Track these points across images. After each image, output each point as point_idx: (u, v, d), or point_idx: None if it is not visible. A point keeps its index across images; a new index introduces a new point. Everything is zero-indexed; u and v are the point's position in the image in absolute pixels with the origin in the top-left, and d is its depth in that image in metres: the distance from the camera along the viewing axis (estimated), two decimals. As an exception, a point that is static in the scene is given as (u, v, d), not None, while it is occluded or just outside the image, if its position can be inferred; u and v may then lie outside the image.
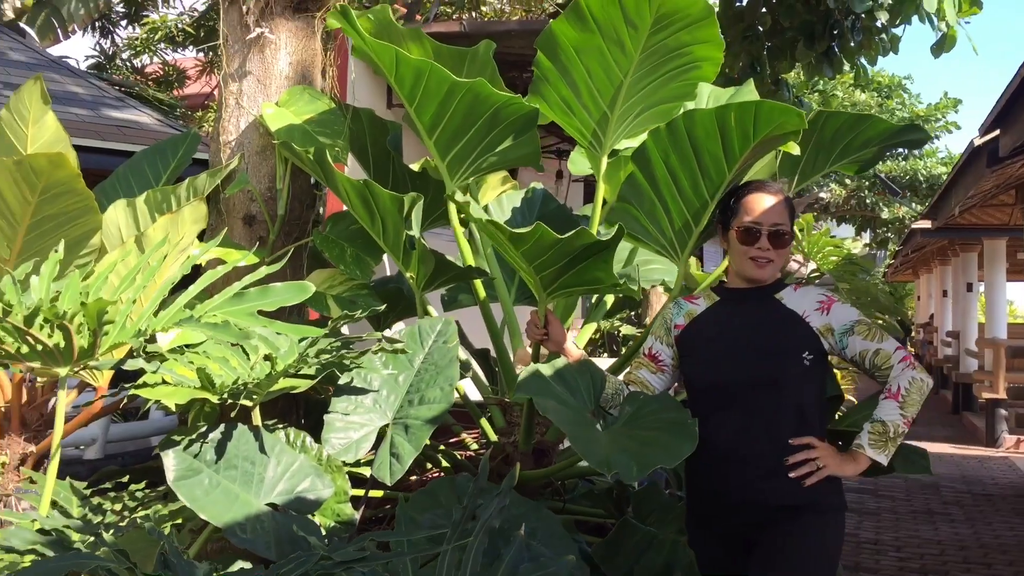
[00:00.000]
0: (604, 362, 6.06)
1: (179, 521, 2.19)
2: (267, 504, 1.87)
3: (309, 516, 1.88)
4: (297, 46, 3.04)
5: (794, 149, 2.88)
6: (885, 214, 23.87)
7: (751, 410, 2.35)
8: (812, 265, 8.15)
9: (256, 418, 2.06)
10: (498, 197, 3.78)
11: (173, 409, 2.57)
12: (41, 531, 1.43)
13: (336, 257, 2.95)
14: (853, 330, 2.38)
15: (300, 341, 2.10)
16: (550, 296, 2.62)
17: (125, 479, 2.50)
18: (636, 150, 2.77)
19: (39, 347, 1.54)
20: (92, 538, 1.47)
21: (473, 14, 12.23)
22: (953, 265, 14.91)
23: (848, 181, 24.86)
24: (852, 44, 7.57)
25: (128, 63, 13.13)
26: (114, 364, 2.13)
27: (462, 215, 3.09)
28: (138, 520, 1.90)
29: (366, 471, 3.04)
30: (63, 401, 1.69)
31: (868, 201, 24.48)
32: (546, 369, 2.61)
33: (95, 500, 2.24)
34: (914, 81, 27.28)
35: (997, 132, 4.94)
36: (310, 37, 3.06)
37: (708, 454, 2.35)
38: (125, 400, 2.94)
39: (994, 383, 10.51)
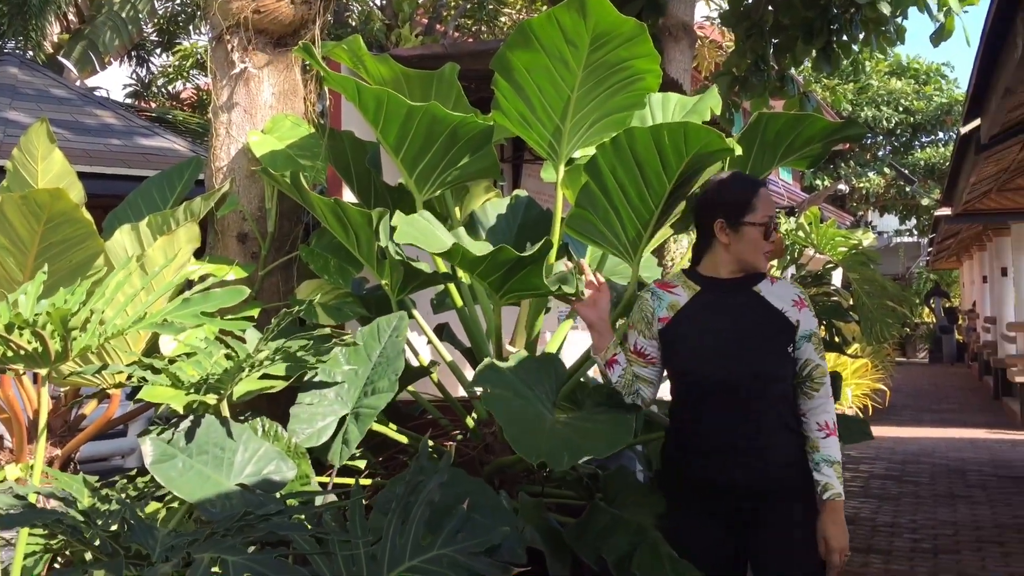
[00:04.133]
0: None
1: (174, 505, 2.50)
2: (236, 484, 2.16)
3: (276, 495, 2.16)
4: (279, 78, 3.35)
5: (736, 150, 3.09)
6: (925, 201, 23.68)
7: (744, 403, 2.47)
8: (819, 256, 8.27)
9: (224, 410, 2.36)
10: (483, 205, 4.04)
11: (181, 412, 2.87)
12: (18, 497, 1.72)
13: (320, 268, 3.23)
14: (810, 338, 2.54)
15: (260, 341, 2.39)
16: (503, 299, 2.87)
17: (133, 472, 2.81)
18: (588, 162, 3.00)
19: (21, 351, 1.85)
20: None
21: (492, 25, 12.54)
22: (988, 250, 14.83)
23: (887, 170, 24.72)
24: (848, 39, 7.69)
25: (163, 90, 13.66)
26: (111, 369, 2.44)
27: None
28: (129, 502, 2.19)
29: (360, 463, 3.33)
30: (46, 398, 1.99)
31: (908, 189, 24.33)
32: (507, 363, 2.86)
33: (104, 492, 2.53)
34: (954, 68, 26.97)
35: (978, 121, 5.07)
36: (290, 69, 3.37)
37: (701, 445, 2.51)
38: (150, 409, 3.28)
39: (1026, 367, 10.50)
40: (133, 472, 2.82)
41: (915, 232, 26.44)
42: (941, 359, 22.74)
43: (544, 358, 3.03)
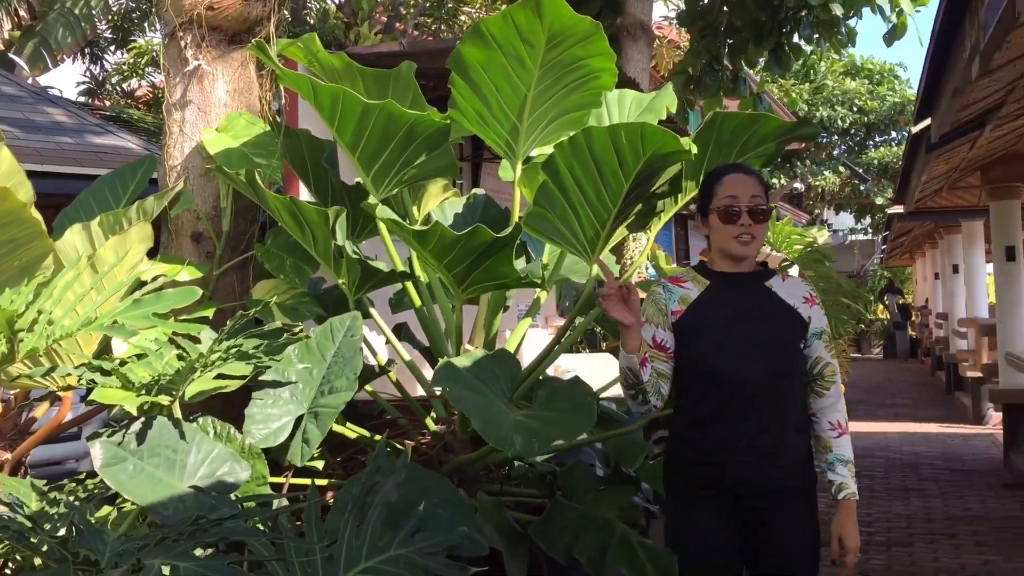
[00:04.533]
0: (585, 357, 6.30)
1: (127, 507, 2.46)
2: (189, 487, 2.13)
3: (230, 496, 2.13)
4: (233, 75, 3.31)
5: (693, 149, 3.11)
6: (879, 200, 24.06)
7: (759, 401, 2.43)
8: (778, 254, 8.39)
9: (176, 411, 2.33)
10: (440, 205, 4.03)
11: (135, 414, 2.83)
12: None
13: (276, 268, 3.20)
14: (821, 336, 2.53)
15: (214, 342, 2.36)
16: (466, 292, 2.87)
17: (83, 476, 2.76)
18: (546, 160, 3.01)
19: (-34, 355, 1.81)
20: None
21: (451, 23, 12.51)
22: (940, 248, 15.11)
23: (842, 169, 25.09)
24: (801, 40, 7.79)
25: (118, 87, 13.45)
26: (62, 371, 2.40)
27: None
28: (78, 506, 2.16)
29: (319, 464, 3.31)
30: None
31: (862, 188, 24.71)
32: (462, 361, 2.86)
33: (53, 496, 2.48)
34: (907, 68, 27.50)
35: (928, 120, 5.16)
36: (245, 66, 3.33)
37: (715, 444, 2.45)
38: (103, 411, 3.23)
39: (977, 361, 10.71)
40: (83, 475, 2.77)
41: (870, 230, 26.84)
42: (895, 355, 23.13)
43: (499, 355, 3.03)
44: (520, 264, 3.71)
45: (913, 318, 23.23)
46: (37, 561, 1.84)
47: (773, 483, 2.46)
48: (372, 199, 2.82)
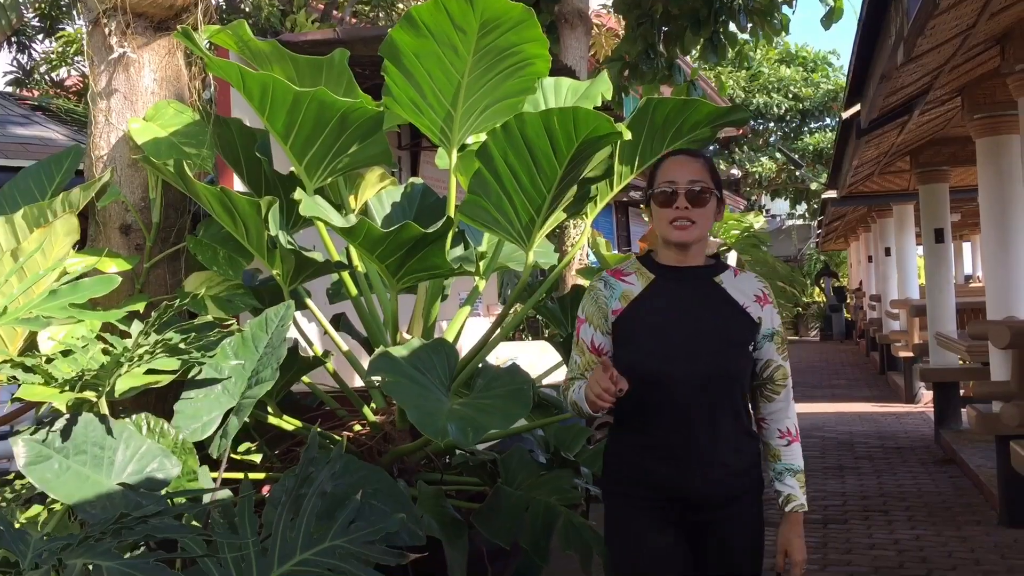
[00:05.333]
0: (527, 345, 6.32)
1: (57, 507, 2.40)
2: (118, 484, 2.09)
3: (160, 493, 2.10)
4: (160, 63, 3.24)
5: (626, 134, 3.13)
6: (814, 185, 24.52)
7: (703, 406, 2.25)
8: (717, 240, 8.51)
9: (103, 407, 2.28)
10: (377, 194, 4.00)
11: (64, 411, 2.76)
12: None
13: (209, 260, 3.15)
14: (773, 337, 2.36)
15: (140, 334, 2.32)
16: (400, 282, 2.85)
17: (11, 476, 2.69)
18: (479, 148, 3.00)
19: None
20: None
21: (390, 12, 12.40)
22: (873, 231, 15.44)
23: (778, 155, 25.52)
24: (736, 29, 7.89)
25: (47, 77, 13.07)
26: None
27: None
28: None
29: (256, 457, 3.27)
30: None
31: (797, 174, 25.16)
32: (399, 350, 2.85)
33: (-21, 496, 2.41)
34: (840, 56, 28.03)
35: (858, 106, 5.26)
36: (172, 54, 3.26)
37: (657, 450, 2.28)
38: (31, 409, 3.14)
39: (908, 342, 10.98)
40: (11, 476, 2.70)
41: (806, 215, 27.34)
42: (831, 337, 23.62)
43: (436, 344, 3.02)
44: (458, 252, 3.71)
45: (848, 300, 23.74)
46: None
47: (720, 492, 2.29)
48: (299, 193, 2.78)
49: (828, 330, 23.99)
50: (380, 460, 3.29)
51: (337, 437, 3.25)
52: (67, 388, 2.22)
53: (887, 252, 14.05)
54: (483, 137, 3.26)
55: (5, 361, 2.28)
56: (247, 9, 11.51)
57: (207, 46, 3.34)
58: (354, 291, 3.37)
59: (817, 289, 25.55)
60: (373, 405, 3.46)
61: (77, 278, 2.12)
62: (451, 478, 3.49)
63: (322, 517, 2.09)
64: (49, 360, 2.36)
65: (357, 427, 3.50)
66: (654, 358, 2.27)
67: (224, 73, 2.86)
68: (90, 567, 1.43)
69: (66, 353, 2.54)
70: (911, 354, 10.53)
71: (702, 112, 3.26)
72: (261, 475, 3.14)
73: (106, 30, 3.16)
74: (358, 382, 3.67)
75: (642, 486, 2.32)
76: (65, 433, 2.10)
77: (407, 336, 3.48)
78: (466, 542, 2.94)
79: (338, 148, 3.04)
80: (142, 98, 3.23)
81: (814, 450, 8.72)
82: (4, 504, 2.14)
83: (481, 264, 3.70)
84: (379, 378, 2.62)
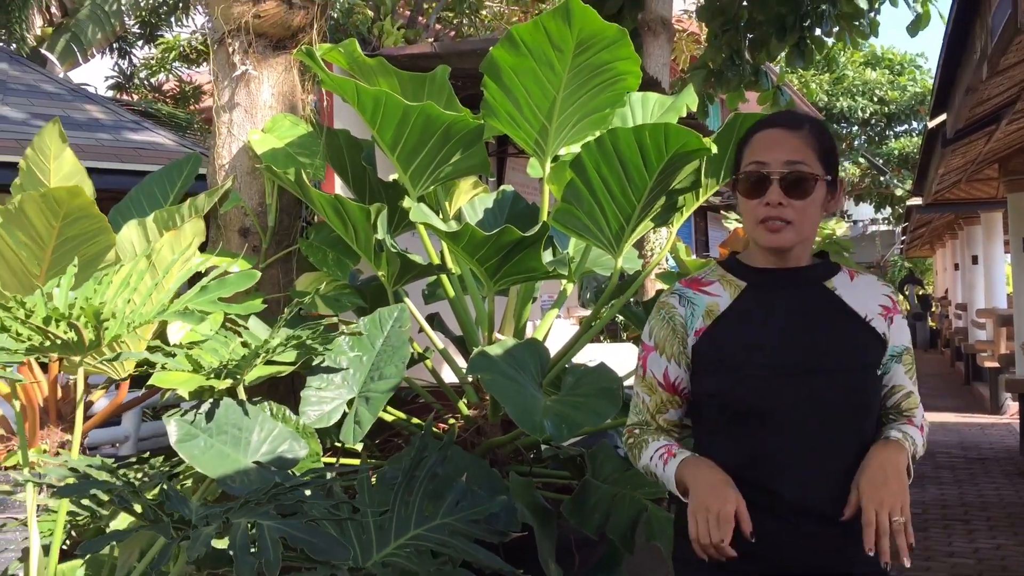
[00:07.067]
0: (611, 347, 6.47)
1: (187, 484, 2.67)
2: (253, 461, 2.34)
3: (288, 471, 2.33)
4: (278, 80, 3.51)
5: (712, 149, 3.29)
6: (899, 191, 24.09)
7: (820, 449, 1.72)
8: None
9: (241, 393, 2.53)
10: (471, 200, 4.21)
11: (187, 398, 3.04)
12: (73, 470, 1.89)
13: (319, 261, 3.40)
14: (902, 357, 1.86)
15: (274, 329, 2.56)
16: (497, 284, 3.06)
17: (147, 455, 2.97)
18: (573, 159, 3.19)
19: (58, 341, 2.01)
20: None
21: (473, 18, 12.67)
22: (960, 239, 15.16)
23: (861, 160, 25.14)
24: (822, 33, 7.92)
25: (146, 82, 13.72)
26: (127, 356, 2.60)
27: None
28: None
29: (358, 446, 3.51)
30: (81, 381, 2.16)
31: (882, 179, 24.74)
32: (495, 349, 3.05)
33: (121, 472, 2.70)
34: (928, 59, 27.41)
35: (944, 116, 5.29)
36: (289, 71, 3.53)
37: (757, 508, 1.68)
38: (154, 396, 3.44)
39: (994, 352, 10.80)
40: (132, 457, 2.98)
41: (891, 220, 26.86)
42: (916, 345, 23.13)
43: (529, 344, 3.22)
44: (548, 256, 3.90)
45: (933, 309, 23.25)
46: (120, 524, 2.04)
47: (845, 564, 1.73)
48: (408, 201, 3.00)
49: (912, 338, 23.54)
50: (473, 452, 3.51)
51: (436, 429, 3.47)
52: (211, 376, 2.48)
53: (974, 260, 13.79)
54: (574, 149, 3.45)
55: (154, 348, 2.55)
56: (336, 16, 11.90)
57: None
58: (451, 292, 3.59)
59: (901, 297, 25.10)
60: (466, 400, 3.68)
61: (218, 276, 2.37)
62: (539, 471, 3.68)
63: (433, 498, 2.30)
64: (190, 348, 2.62)
65: (451, 420, 3.72)
66: (753, 386, 1.73)
67: (340, 89, 3.11)
68: (251, 528, 1.65)
69: (196, 344, 2.80)
70: (996, 364, 10.36)
71: (751, 124, 3.38)
72: (358, 462, 3.37)
73: (230, 49, 3.44)
74: (451, 378, 3.89)
75: (727, 564, 1.68)
76: (209, 415, 2.36)
77: (500, 336, 3.69)
78: (555, 529, 3.12)
79: (441, 158, 3.27)
80: (261, 112, 3.51)
81: (894, 458, 8.67)
82: (147, 478, 2.40)
83: (571, 268, 3.89)
84: (478, 375, 2.82)
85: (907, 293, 24.78)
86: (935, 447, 9.20)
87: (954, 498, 6.98)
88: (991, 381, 11.25)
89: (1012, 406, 10.78)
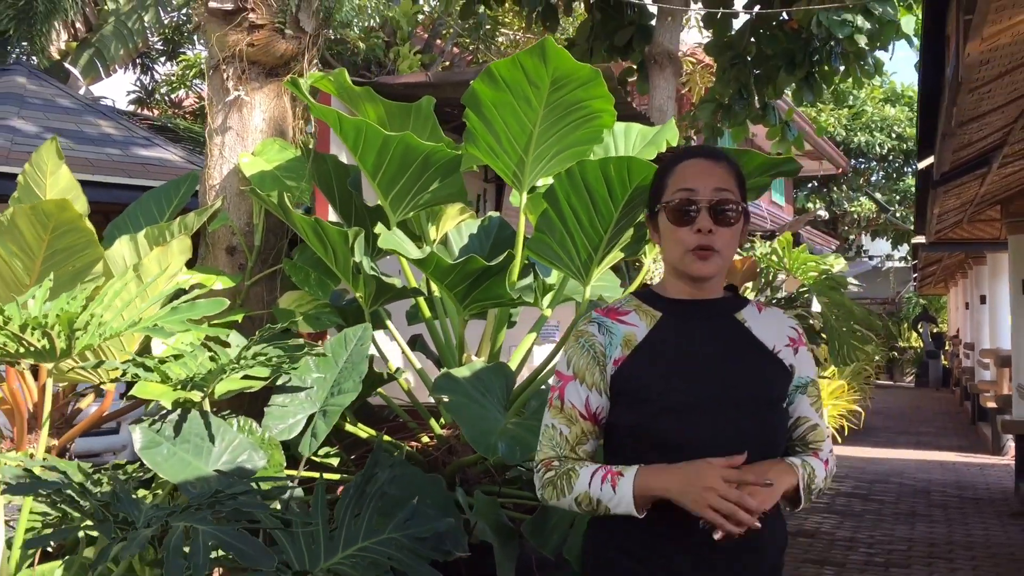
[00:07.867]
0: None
1: (159, 492, 2.79)
2: (214, 470, 2.46)
3: (247, 480, 2.45)
4: (269, 105, 3.66)
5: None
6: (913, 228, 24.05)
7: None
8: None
9: (206, 405, 2.66)
10: (457, 226, 4.34)
11: (169, 408, 3.17)
12: (26, 471, 2.02)
13: (302, 281, 3.53)
14: (807, 388, 1.89)
15: (242, 347, 2.69)
16: (467, 309, 3.17)
17: (123, 462, 3.10)
18: (546, 190, 3.31)
19: (31, 348, 2.14)
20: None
21: (489, 44, 12.87)
22: (969, 278, 15.16)
23: (878, 195, 25.13)
24: (829, 69, 8.03)
25: (166, 98, 13.98)
26: (109, 365, 2.74)
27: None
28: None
29: (334, 460, 3.63)
30: (50, 387, 2.30)
31: (898, 215, 24.72)
32: (462, 371, 3.16)
33: (96, 476, 2.82)
34: (948, 94, 27.55)
35: (931, 159, 5.38)
36: (280, 97, 3.68)
37: (671, 537, 1.74)
38: (141, 406, 3.57)
39: (996, 392, 10.80)
40: (123, 462, 3.11)
41: (908, 257, 26.80)
42: (927, 383, 23.07)
43: (497, 367, 3.33)
44: (527, 282, 4.01)
45: (947, 347, 23.16)
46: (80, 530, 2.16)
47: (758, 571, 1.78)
48: (379, 227, 3.12)
49: (924, 376, 23.45)
50: (444, 470, 3.61)
51: (406, 447, 3.58)
52: (178, 387, 2.61)
53: (982, 300, 13.79)
54: (550, 180, 3.57)
55: (128, 360, 2.68)
56: (350, 41, 12.13)
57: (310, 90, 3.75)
58: (428, 315, 3.70)
59: (914, 334, 25.00)
60: (442, 420, 3.79)
61: (193, 298, 2.50)
62: (508, 491, 3.77)
63: (382, 514, 2.41)
64: (162, 362, 2.75)
65: (425, 438, 3.83)
66: (671, 419, 1.74)
67: (324, 116, 3.25)
68: (189, 531, 1.76)
69: (177, 358, 2.94)
70: (995, 405, 10.36)
71: (755, 162, 3.50)
72: (336, 476, 3.49)
73: (224, 75, 3.59)
74: (430, 398, 4.00)
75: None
76: (176, 427, 2.49)
77: (475, 358, 3.80)
78: (516, 549, 3.21)
79: (420, 186, 3.40)
80: (252, 135, 3.66)
81: (889, 495, 8.69)
82: (123, 480, 2.52)
83: (549, 296, 4.00)
84: (439, 396, 2.93)
85: (921, 331, 24.68)
86: (932, 485, 9.21)
87: (942, 536, 7.00)
88: (992, 421, 11.24)
89: (1013, 447, 10.76)
